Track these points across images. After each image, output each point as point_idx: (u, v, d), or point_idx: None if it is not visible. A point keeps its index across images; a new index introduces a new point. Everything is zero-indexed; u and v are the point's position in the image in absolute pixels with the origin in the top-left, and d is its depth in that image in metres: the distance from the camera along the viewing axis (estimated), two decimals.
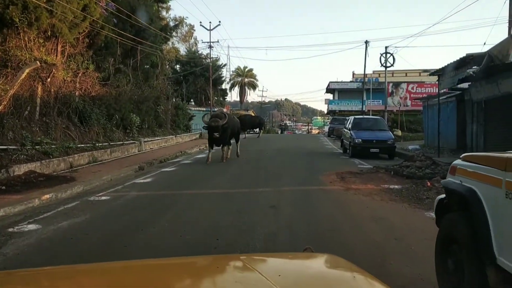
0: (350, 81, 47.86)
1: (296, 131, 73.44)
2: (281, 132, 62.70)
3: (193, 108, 35.94)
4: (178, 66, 42.06)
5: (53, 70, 14.22)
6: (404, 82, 42.03)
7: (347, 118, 22.01)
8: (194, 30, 46.91)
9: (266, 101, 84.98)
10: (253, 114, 41.49)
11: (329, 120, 45.81)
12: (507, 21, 15.57)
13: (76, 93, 15.93)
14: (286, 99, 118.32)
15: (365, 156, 16.07)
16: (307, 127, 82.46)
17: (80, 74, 16.27)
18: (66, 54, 15.92)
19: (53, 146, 12.37)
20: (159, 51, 27.18)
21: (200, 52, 43.98)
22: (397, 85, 41.47)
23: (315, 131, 66.52)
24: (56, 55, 15.07)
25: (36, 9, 12.95)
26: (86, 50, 17.31)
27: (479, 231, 3.04)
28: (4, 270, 3.29)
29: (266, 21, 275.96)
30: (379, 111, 35.01)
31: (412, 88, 40.98)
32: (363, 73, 37.01)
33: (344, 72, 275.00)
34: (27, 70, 12.52)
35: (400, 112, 36.66)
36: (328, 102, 48.55)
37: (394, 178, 10.86)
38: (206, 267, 1.71)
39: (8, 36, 13.29)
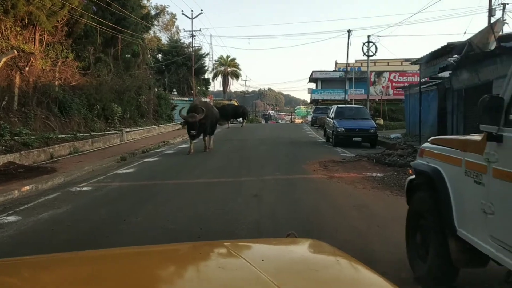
0: (333, 71, 47.90)
1: (280, 121, 73.43)
2: (266, 122, 62.69)
3: (175, 98, 35.60)
4: (160, 55, 41.55)
5: (31, 59, 13.92)
6: (386, 71, 42.29)
7: (330, 107, 22.10)
8: (176, 19, 46.34)
9: (250, 90, 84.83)
10: (236, 104, 41.28)
11: (312, 110, 45.92)
12: (487, 10, 15.79)
13: (56, 82, 15.63)
14: (269, 89, 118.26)
15: (348, 145, 16.20)
16: (290, 116, 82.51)
17: (59, 63, 15.97)
18: (44, 42, 15.60)
19: (32, 137, 12.14)
20: (141, 40, 26.81)
21: (182, 41, 43.50)
22: (379, 74, 41.75)
23: (298, 121, 66.55)
24: (34, 44, 14.76)
25: None
26: (65, 38, 16.99)
27: (442, 206, 3.38)
28: None
29: (249, 10, 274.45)
30: (362, 100, 35.24)
31: (394, 77, 41.29)
32: (346, 62, 37.14)
33: (327, 61, 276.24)
34: (4, 59, 12.23)
35: (382, 101, 36.94)
36: (311, 91, 48.63)
37: (376, 166, 10.97)
38: (189, 254, 1.70)
39: None
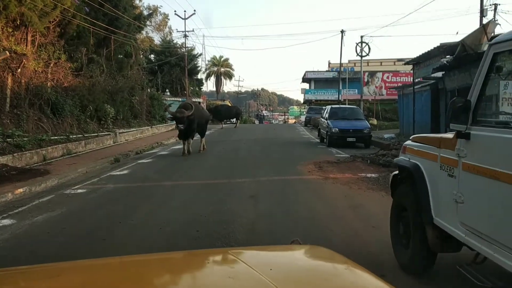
0: (326, 71, 47.95)
1: (273, 121, 73.38)
2: (260, 122, 62.66)
3: (168, 99, 35.43)
4: (152, 56, 41.31)
5: (24, 60, 13.79)
6: (380, 71, 42.44)
7: (324, 107, 22.13)
8: (169, 19, 45.97)
9: (243, 91, 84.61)
10: (229, 104, 41.23)
11: (305, 110, 45.96)
12: (479, 10, 15.90)
13: (48, 84, 15.50)
14: (262, 89, 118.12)
15: (342, 145, 16.23)
16: (283, 116, 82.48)
17: (51, 65, 15.84)
18: (36, 43, 15.47)
19: (25, 139, 12.03)
20: (133, 40, 26.66)
21: (175, 41, 43.29)
22: (372, 74, 41.90)
23: (291, 121, 66.58)
24: (26, 45, 14.63)
25: None
26: (57, 39, 16.85)
27: (421, 197, 3.76)
28: None
29: (242, 11, 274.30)
30: (355, 100, 35.31)
31: (387, 77, 41.46)
32: (339, 62, 37.21)
33: (320, 61, 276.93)
34: None
35: (376, 101, 37.07)
36: (304, 91, 48.67)
37: (370, 166, 11.01)
38: (196, 263, 1.67)
39: None
